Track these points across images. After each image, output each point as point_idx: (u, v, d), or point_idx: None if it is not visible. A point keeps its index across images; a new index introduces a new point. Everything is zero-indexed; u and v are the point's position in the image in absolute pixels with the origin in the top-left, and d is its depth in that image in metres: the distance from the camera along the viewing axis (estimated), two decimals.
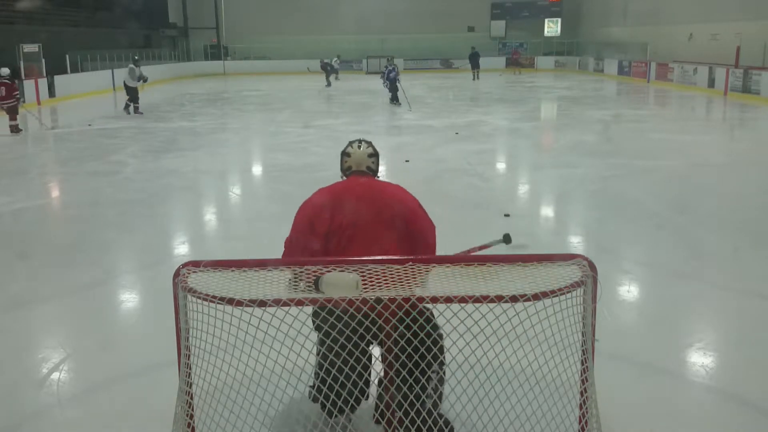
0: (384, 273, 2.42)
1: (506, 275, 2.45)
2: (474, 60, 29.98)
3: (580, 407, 2.43)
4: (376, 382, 2.73)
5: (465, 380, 2.55)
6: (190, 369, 2.53)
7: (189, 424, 2.56)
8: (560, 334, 2.45)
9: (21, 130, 14.20)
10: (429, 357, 2.54)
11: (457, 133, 13.11)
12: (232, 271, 2.44)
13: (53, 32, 24.91)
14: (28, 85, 19.50)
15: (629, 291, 5.09)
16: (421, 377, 2.56)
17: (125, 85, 17.57)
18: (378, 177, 3.27)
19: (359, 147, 3.22)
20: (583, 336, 2.45)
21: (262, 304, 2.27)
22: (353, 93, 24.68)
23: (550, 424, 2.71)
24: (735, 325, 4.45)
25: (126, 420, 3.30)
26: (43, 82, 20.28)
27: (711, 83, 21.54)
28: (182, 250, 6.30)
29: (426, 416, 2.54)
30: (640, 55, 28.19)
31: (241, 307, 2.31)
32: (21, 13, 25.38)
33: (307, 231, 3.02)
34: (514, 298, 2.26)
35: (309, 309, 2.67)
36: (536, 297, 2.29)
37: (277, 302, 2.29)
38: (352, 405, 2.68)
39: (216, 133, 14.52)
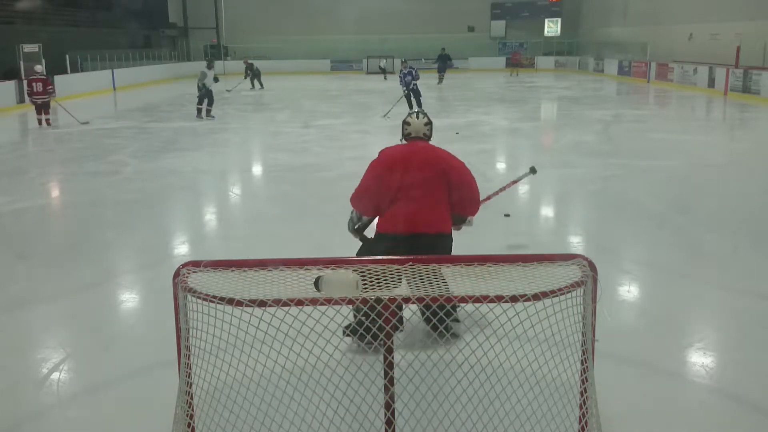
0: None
1: (506, 275, 2.45)
2: (442, 62, 27.37)
3: (580, 407, 2.43)
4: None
5: (465, 380, 2.55)
6: (190, 369, 2.53)
7: (189, 424, 2.56)
8: (560, 334, 2.45)
9: (48, 125, 15.21)
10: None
11: (457, 133, 13.11)
12: (232, 271, 2.44)
13: (53, 32, 24.92)
14: None
15: (629, 291, 5.09)
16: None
17: (200, 88, 15.87)
18: (431, 141, 4.07)
19: (417, 117, 4.09)
20: (583, 336, 2.45)
21: (262, 304, 2.27)
22: (353, 93, 24.68)
23: (550, 424, 2.71)
24: (735, 325, 4.44)
25: (126, 420, 3.30)
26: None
27: (711, 83, 21.54)
28: (182, 250, 6.30)
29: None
30: (640, 55, 28.21)
31: (241, 307, 2.31)
32: (21, 13, 25.39)
33: (384, 180, 3.85)
34: (514, 298, 2.26)
35: (309, 309, 2.67)
36: (536, 297, 2.29)
37: (277, 302, 2.29)
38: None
39: (216, 133, 14.51)
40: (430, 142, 4.09)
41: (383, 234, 3.84)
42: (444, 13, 37.04)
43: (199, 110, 16.05)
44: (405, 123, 4.09)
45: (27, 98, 15.35)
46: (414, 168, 3.83)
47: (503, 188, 5.48)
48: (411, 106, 15.56)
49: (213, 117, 16.02)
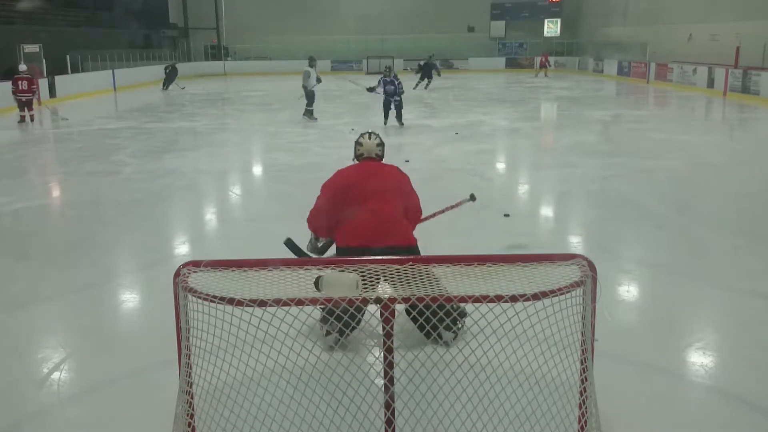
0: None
1: (506, 275, 2.45)
2: (427, 71, 24.15)
3: (580, 407, 2.43)
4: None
5: (465, 380, 2.55)
6: (190, 369, 2.53)
7: (189, 424, 2.56)
8: (560, 334, 2.45)
9: (32, 122, 15.86)
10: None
11: (456, 133, 13.11)
12: (232, 271, 2.44)
13: (53, 32, 24.93)
14: None
15: (629, 291, 5.09)
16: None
17: (305, 89, 15.13)
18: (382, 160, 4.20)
19: (369, 138, 4.21)
20: (583, 336, 2.45)
21: (262, 304, 2.27)
22: (353, 93, 24.67)
23: (549, 424, 2.71)
24: (735, 325, 4.44)
25: (126, 420, 3.30)
26: (43, 82, 20.27)
27: (710, 83, 21.55)
28: (182, 250, 6.30)
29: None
30: (639, 55, 28.21)
31: (241, 307, 2.31)
32: (21, 13, 25.40)
33: (338, 199, 3.94)
34: (514, 298, 2.27)
35: (309, 309, 2.68)
36: (536, 297, 2.29)
37: (277, 302, 2.30)
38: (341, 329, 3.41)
39: (216, 133, 14.52)
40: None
41: (351, 248, 3.77)
42: (444, 13, 37.06)
43: (310, 112, 15.27)
44: (357, 143, 4.21)
45: (12, 96, 15.86)
46: (371, 183, 3.96)
47: (440, 211, 5.10)
48: (386, 118, 14.30)
49: (315, 119, 15.20)
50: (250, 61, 36.99)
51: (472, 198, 5.47)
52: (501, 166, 11.27)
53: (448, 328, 3.63)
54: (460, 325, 3.82)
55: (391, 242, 3.74)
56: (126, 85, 26.25)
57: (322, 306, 2.99)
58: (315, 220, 4.14)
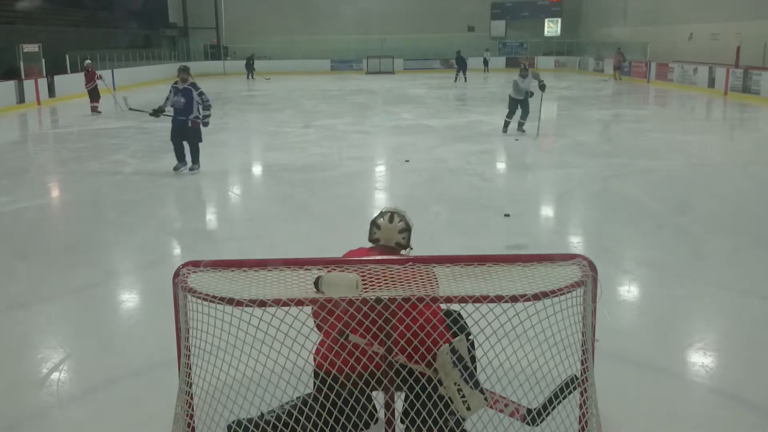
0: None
1: (506, 275, 2.45)
2: (462, 63, 28.91)
3: (580, 407, 2.43)
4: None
5: None
6: (190, 369, 2.53)
7: (189, 424, 2.56)
8: (560, 334, 2.45)
9: (92, 113, 17.38)
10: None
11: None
12: (232, 271, 2.44)
13: (53, 32, 24.91)
14: (28, 85, 19.52)
15: (629, 291, 5.09)
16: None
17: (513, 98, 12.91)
18: (410, 250, 3.04)
19: (390, 221, 2.99)
20: (583, 336, 2.45)
21: (262, 304, 2.27)
22: (353, 93, 24.68)
23: (550, 424, 2.71)
24: (735, 325, 4.44)
25: (126, 420, 3.30)
26: (43, 82, 20.28)
27: (711, 83, 21.54)
28: (182, 250, 6.30)
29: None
30: (640, 55, 28.18)
31: (241, 307, 2.31)
32: (21, 13, 25.40)
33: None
34: (514, 298, 2.27)
35: (309, 309, 2.68)
36: (536, 297, 2.29)
37: (277, 302, 2.29)
38: None
39: (216, 133, 14.49)
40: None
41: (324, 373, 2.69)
42: (444, 13, 37.04)
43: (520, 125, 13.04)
44: (373, 224, 3.03)
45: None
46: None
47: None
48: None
49: (524, 131, 12.91)
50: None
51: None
52: (501, 166, 11.27)
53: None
54: None
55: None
56: (126, 84, 26.24)
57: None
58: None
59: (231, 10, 37.47)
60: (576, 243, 6.32)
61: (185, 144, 9.60)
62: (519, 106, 12.72)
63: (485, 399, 2.49)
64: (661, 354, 3.93)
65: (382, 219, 3.00)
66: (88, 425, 3.31)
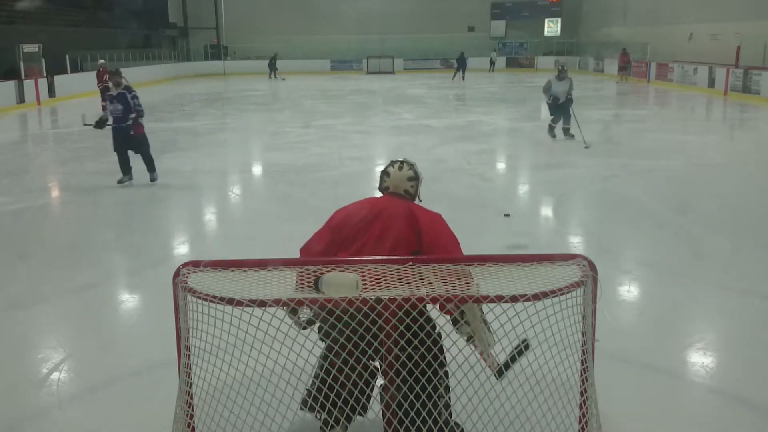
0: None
1: (506, 275, 2.45)
2: (462, 62, 30.51)
3: (580, 407, 2.43)
4: (378, 396, 2.67)
5: (465, 380, 2.55)
6: (190, 369, 2.53)
7: (189, 424, 2.56)
8: (560, 334, 2.45)
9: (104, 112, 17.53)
10: (429, 357, 2.54)
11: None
12: (232, 271, 2.44)
13: (53, 32, 24.91)
14: (28, 85, 19.51)
15: (629, 291, 5.09)
16: (426, 384, 2.54)
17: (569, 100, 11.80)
18: (419, 201, 3.10)
19: (399, 169, 3.08)
20: (583, 336, 2.45)
21: (262, 304, 2.27)
22: (353, 93, 24.69)
23: (550, 424, 2.71)
24: (735, 325, 4.44)
25: (126, 420, 3.29)
26: (43, 82, 20.29)
27: (711, 83, 21.54)
28: (182, 250, 6.30)
29: (434, 422, 2.54)
30: (640, 55, 28.17)
31: (241, 307, 2.31)
32: (21, 13, 25.40)
33: (328, 235, 2.93)
34: (514, 298, 2.26)
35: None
36: (536, 297, 2.29)
37: (277, 302, 2.29)
38: (348, 415, 2.71)
39: (216, 133, 14.51)
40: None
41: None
42: (444, 13, 37.05)
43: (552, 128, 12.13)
44: (383, 173, 3.12)
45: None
46: (372, 230, 2.84)
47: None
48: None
49: (572, 136, 11.80)
50: (250, 61, 36.95)
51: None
52: (501, 166, 11.27)
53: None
54: None
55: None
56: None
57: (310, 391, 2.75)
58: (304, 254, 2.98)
59: (231, 10, 37.48)
60: (576, 243, 6.32)
61: (134, 154, 8.75)
62: (559, 110, 11.82)
63: (494, 339, 2.68)
64: (661, 354, 3.93)
65: (391, 167, 3.09)
66: (88, 425, 3.31)
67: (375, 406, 2.72)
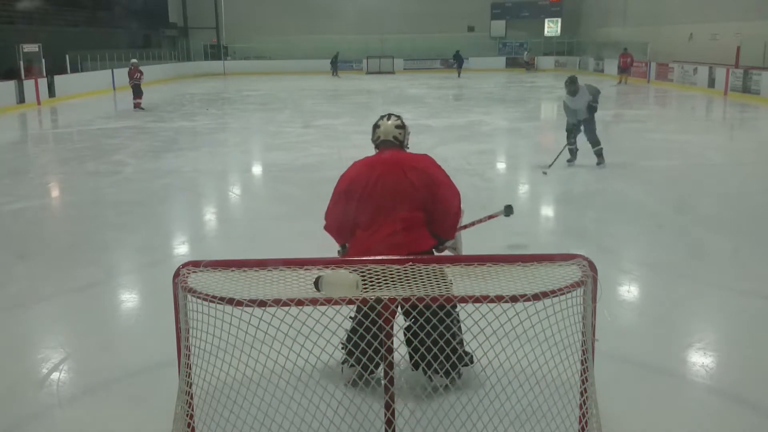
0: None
1: (506, 275, 2.45)
2: (459, 61, 33.00)
3: (580, 407, 2.43)
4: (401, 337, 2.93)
5: (465, 380, 2.55)
6: (190, 369, 2.53)
7: (189, 424, 2.56)
8: (560, 334, 2.45)
9: (135, 109, 18.14)
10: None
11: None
12: (232, 271, 2.44)
13: (53, 32, 24.90)
14: (28, 85, 19.51)
15: (629, 291, 5.09)
16: (444, 317, 2.72)
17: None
18: (406, 148, 3.61)
19: (388, 119, 3.59)
20: (583, 336, 2.45)
21: (262, 304, 2.27)
22: (353, 93, 24.69)
23: (550, 424, 2.71)
24: (735, 325, 4.44)
25: (126, 420, 3.30)
26: (42, 82, 20.28)
27: (711, 83, 21.54)
28: (182, 250, 6.30)
29: (452, 350, 2.67)
30: (640, 55, 28.17)
31: (241, 307, 2.31)
32: (21, 13, 25.38)
33: (343, 200, 3.45)
34: (514, 298, 2.26)
35: (309, 309, 2.68)
36: (536, 297, 2.29)
37: (277, 302, 2.29)
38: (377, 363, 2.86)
39: (216, 133, 14.51)
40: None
41: None
42: (444, 13, 37.04)
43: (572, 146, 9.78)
44: (375, 126, 3.61)
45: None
46: (380, 186, 3.30)
47: (478, 221, 4.86)
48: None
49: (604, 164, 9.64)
50: (250, 61, 36.97)
51: (507, 211, 5.04)
52: (501, 166, 11.27)
53: (446, 374, 2.94)
54: (458, 374, 3.16)
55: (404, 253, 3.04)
56: (125, 85, 26.20)
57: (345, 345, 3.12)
58: (330, 220, 3.61)
59: (231, 10, 37.45)
60: (576, 243, 6.32)
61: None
62: (581, 129, 9.52)
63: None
64: (661, 354, 3.92)
65: (381, 120, 3.61)
66: (88, 425, 3.31)
67: (401, 349, 2.81)
